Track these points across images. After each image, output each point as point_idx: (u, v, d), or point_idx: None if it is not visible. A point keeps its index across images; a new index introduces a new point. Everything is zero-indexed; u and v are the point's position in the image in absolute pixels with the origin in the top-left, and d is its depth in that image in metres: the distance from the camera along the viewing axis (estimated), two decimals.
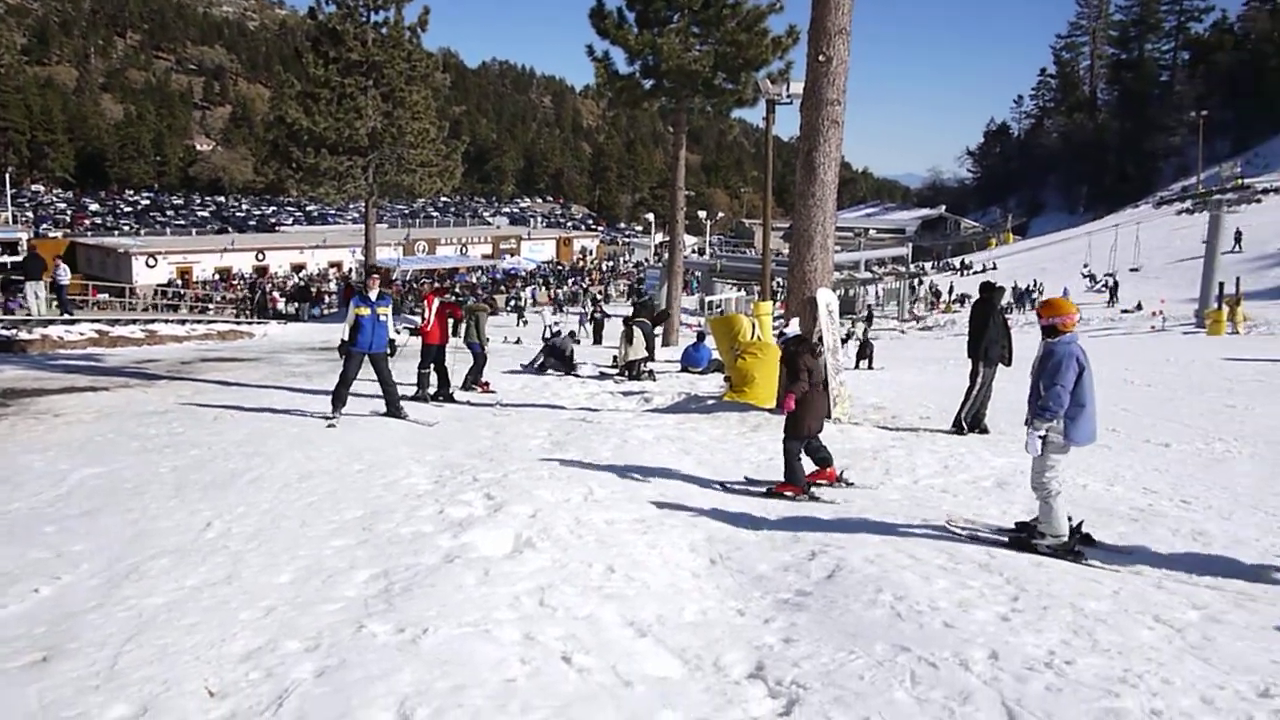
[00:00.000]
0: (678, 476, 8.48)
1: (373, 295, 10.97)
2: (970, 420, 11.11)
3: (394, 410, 11.27)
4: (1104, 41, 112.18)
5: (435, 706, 3.80)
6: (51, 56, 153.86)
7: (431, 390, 13.14)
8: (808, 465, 8.21)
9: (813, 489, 7.96)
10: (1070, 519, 6.31)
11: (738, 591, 5.51)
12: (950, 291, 55.65)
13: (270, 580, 5.30)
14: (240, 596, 5.03)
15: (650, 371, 17.45)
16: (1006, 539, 6.51)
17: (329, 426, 10.41)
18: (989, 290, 11.63)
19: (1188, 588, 5.53)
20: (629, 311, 20.68)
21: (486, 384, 14.77)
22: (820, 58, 11.58)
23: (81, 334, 20.14)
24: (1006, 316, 12.62)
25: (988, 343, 11.10)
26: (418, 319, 13.32)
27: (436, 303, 13.21)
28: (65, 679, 4.01)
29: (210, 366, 16.42)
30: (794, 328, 9.07)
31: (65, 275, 25.44)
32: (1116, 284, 47.67)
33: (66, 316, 22.49)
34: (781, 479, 8.04)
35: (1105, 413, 13.35)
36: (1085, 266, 56.65)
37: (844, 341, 24.48)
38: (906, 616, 4.93)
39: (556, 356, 18.22)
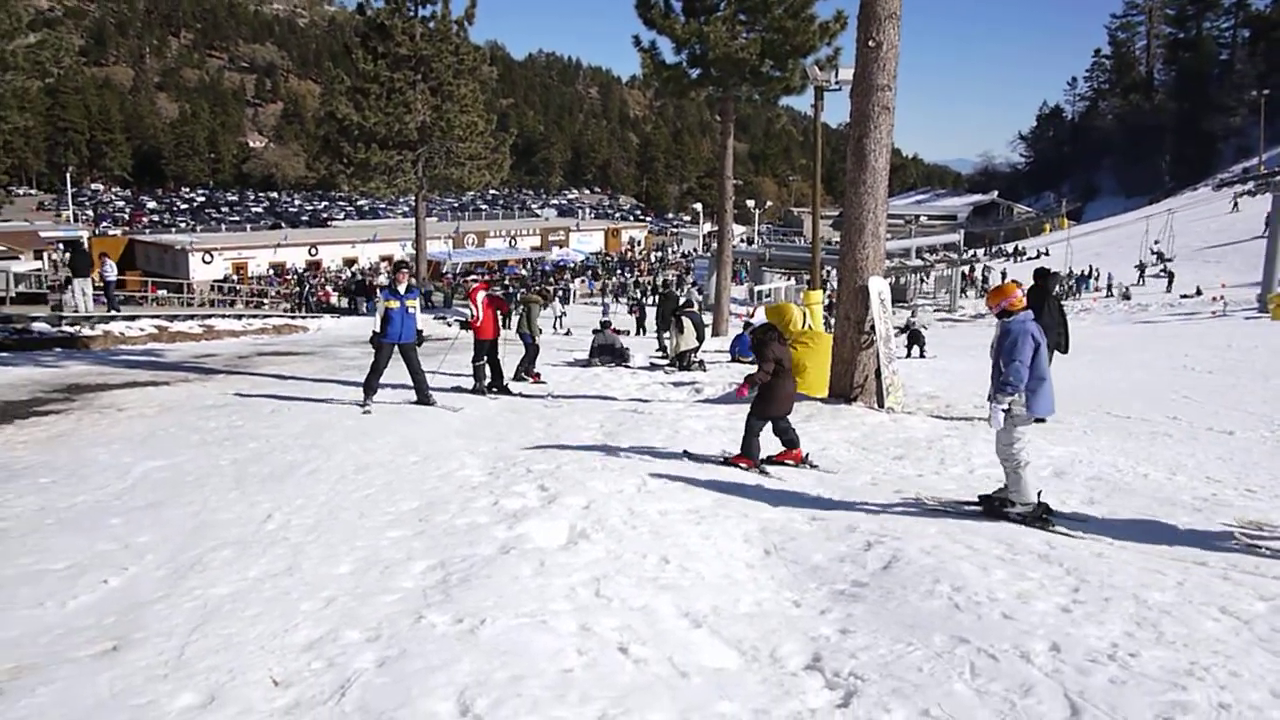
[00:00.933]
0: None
1: (401, 289, 11.42)
2: None
3: (423, 398, 11.68)
4: (1161, 20, 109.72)
5: (494, 697, 3.83)
6: (108, 57, 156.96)
7: (486, 382, 13.22)
8: (776, 445, 8.72)
9: (764, 465, 8.46)
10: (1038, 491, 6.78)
11: (793, 582, 5.49)
12: (1004, 278, 54.88)
13: (330, 571, 5.38)
14: (301, 587, 5.11)
15: (701, 361, 17.42)
16: (980, 507, 6.96)
17: (364, 413, 10.85)
18: (1044, 277, 11.46)
19: (1254, 578, 5.40)
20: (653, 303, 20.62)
21: (538, 375, 14.84)
22: (870, 43, 11.45)
23: (142, 330, 20.55)
24: (1062, 303, 12.42)
25: (1045, 328, 10.93)
26: (468, 312, 13.40)
27: (482, 296, 13.26)
28: (134, 668, 4.10)
29: (266, 361, 16.68)
30: (760, 317, 9.68)
31: (112, 271, 25.56)
32: (1172, 271, 46.80)
33: (114, 313, 22.53)
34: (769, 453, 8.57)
35: (1165, 400, 13.14)
36: (1156, 243, 55.14)
37: (903, 331, 24.34)
38: (965, 608, 4.88)
39: (608, 352, 18.23)
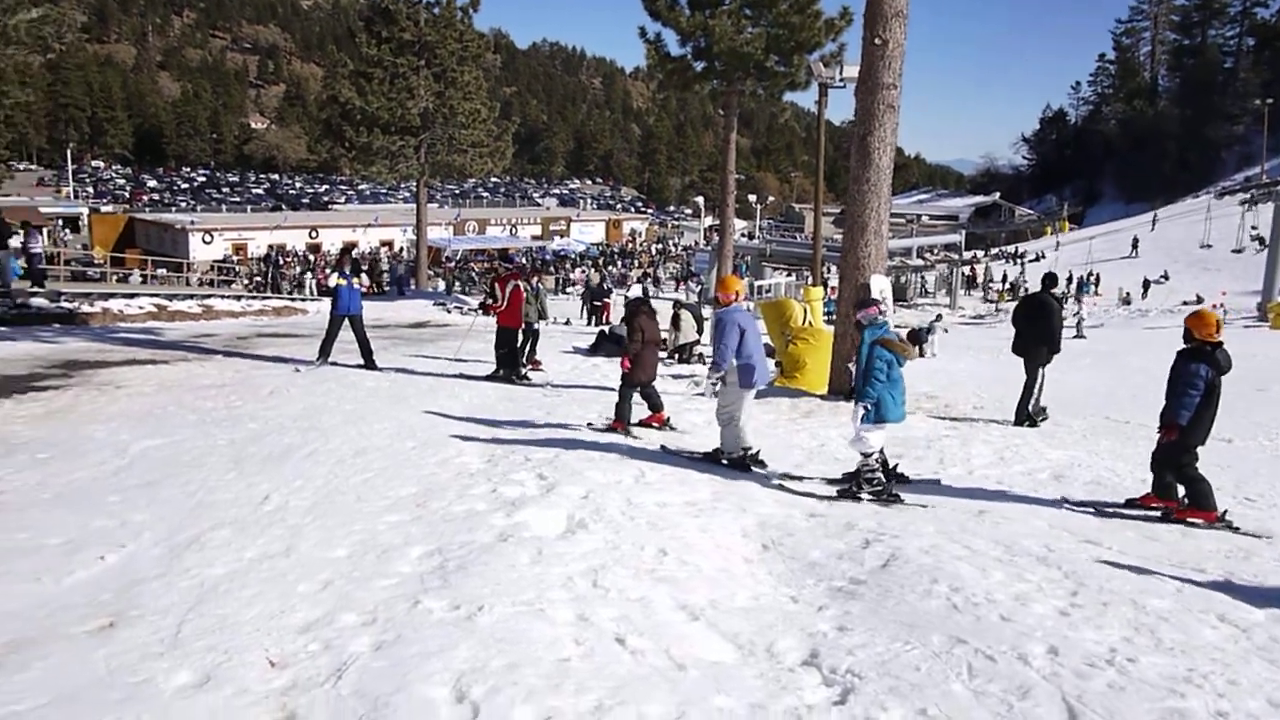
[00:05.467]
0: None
1: (348, 270, 13.97)
2: (1033, 411, 11.02)
3: (369, 364, 13.31)
4: (1166, 27, 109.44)
5: (491, 684, 3.82)
6: (111, 35, 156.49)
7: (509, 370, 13.26)
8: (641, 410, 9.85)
9: (632, 428, 9.49)
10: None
11: (790, 578, 5.48)
12: (1003, 280, 54.90)
13: (327, 554, 5.37)
14: (298, 569, 5.10)
15: (700, 355, 17.40)
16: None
17: (295, 371, 12.63)
18: (1052, 282, 11.49)
19: (1253, 587, 5.41)
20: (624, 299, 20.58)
21: (538, 362, 14.81)
22: (876, 41, 11.43)
23: (141, 308, 20.48)
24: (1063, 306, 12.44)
25: (1050, 333, 10.97)
26: (468, 299, 13.59)
27: (511, 287, 13.23)
28: (131, 645, 4.09)
29: (266, 342, 16.64)
30: (635, 290, 10.66)
31: (38, 243, 23.35)
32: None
33: (37, 289, 20.52)
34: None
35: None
36: (1254, 229, 52.99)
37: (926, 334, 24.32)
38: (963, 608, 4.88)
39: (615, 341, 18.18)
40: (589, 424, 9.76)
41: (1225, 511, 7.04)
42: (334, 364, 13.15)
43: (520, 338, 13.62)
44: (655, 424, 9.90)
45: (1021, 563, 5.69)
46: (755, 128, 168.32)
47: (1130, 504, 7.44)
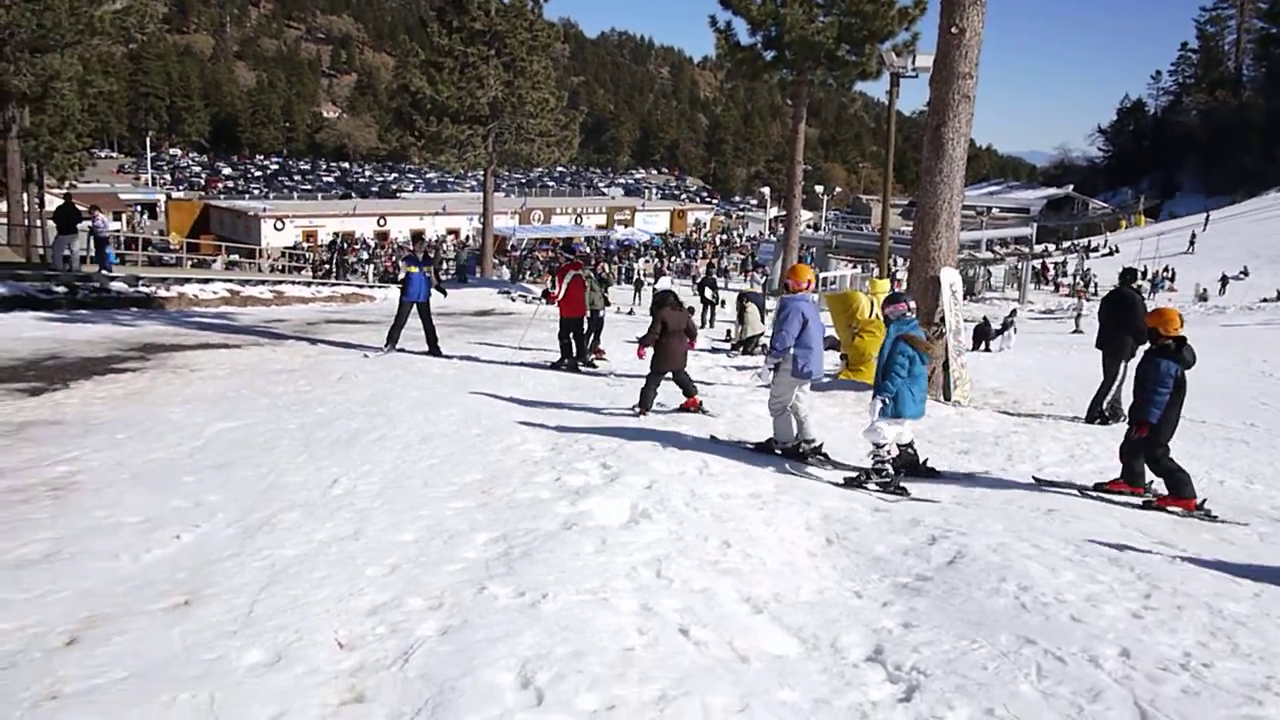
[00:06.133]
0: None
1: (419, 258, 14.38)
2: (1108, 408, 10.78)
3: (434, 350, 13.60)
4: (1252, 14, 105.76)
5: (555, 671, 3.84)
6: (190, 25, 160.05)
7: (572, 357, 13.36)
8: (678, 396, 10.25)
9: (650, 410, 9.82)
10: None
11: (855, 573, 5.43)
12: (1077, 275, 53.75)
13: (394, 538, 5.44)
14: (366, 553, 5.17)
15: (764, 346, 17.31)
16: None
17: (377, 356, 12.92)
18: (1131, 276, 11.21)
19: None
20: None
21: (602, 351, 14.84)
22: (953, 29, 11.23)
23: (215, 293, 20.95)
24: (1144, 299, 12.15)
25: (1136, 327, 10.70)
26: (532, 288, 13.74)
27: (570, 277, 13.30)
28: (205, 623, 4.18)
29: (334, 328, 16.91)
30: (664, 284, 10.82)
31: (106, 227, 23.71)
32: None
33: (104, 274, 20.50)
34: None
35: (1243, 405, 12.75)
36: None
37: (1004, 329, 23.89)
38: (1032, 608, 4.79)
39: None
40: (712, 436, 9.09)
41: (1204, 500, 7.20)
42: (401, 350, 13.33)
43: (585, 326, 13.67)
44: (690, 408, 10.18)
45: (1093, 563, 5.57)
46: (824, 118, 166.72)
47: (1099, 488, 7.72)
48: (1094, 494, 7.63)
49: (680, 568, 5.18)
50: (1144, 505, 7.35)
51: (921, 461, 7.92)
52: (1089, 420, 10.75)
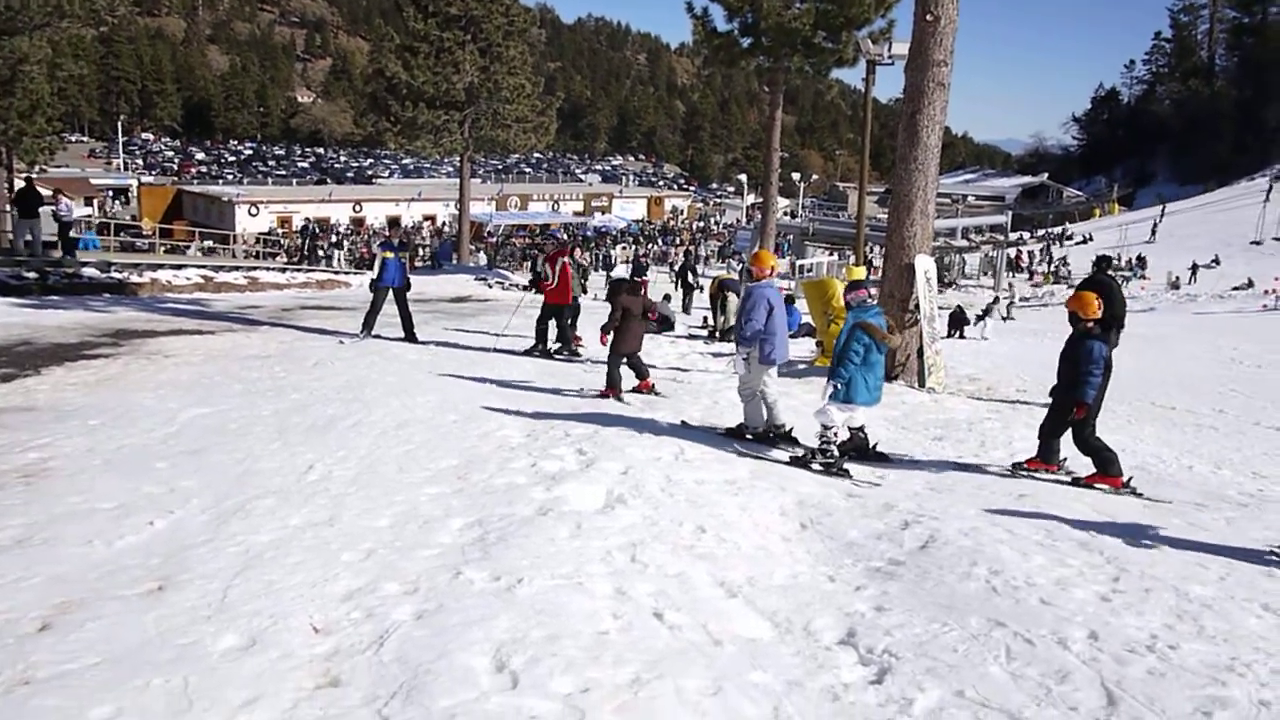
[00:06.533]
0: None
1: (395, 243, 14.15)
2: None
3: (410, 337, 13.54)
4: (1225, 4, 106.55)
5: (530, 655, 3.87)
6: (161, 8, 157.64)
7: (550, 345, 13.36)
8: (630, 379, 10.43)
9: (623, 395, 10.04)
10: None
11: (828, 557, 5.49)
12: (1049, 263, 54.15)
13: (370, 524, 5.44)
14: (341, 538, 5.17)
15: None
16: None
17: (339, 344, 12.66)
18: (1105, 264, 11.30)
19: None
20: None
21: (579, 338, 14.81)
22: (928, 17, 11.28)
23: (188, 279, 20.77)
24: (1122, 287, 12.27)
25: (1111, 316, 10.79)
26: (509, 275, 13.70)
27: (560, 264, 13.27)
28: (179, 608, 4.18)
29: (310, 314, 16.83)
30: (619, 271, 11.15)
31: (69, 211, 22.61)
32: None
33: (66, 257, 20.24)
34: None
35: (1212, 392, 12.94)
36: None
37: (984, 316, 24.04)
38: (1002, 591, 4.86)
39: (659, 321, 18.16)
40: (683, 421, 9.11)
41: (1130, 478, 7.38)
42: (377, 337, 13.28)
43: (565, 313, 13.61)
44: (644, 390, 10.52)
45: (1063, 547, 5.65)
46: (800, 105, 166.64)
47: (1017, 467, 7.89)
48: (1016, 474, 7.78)
49: (655, 552, 5.21)
50: (1072, 483, 7.52)
51: (871, 446, 8.04)
52: None
